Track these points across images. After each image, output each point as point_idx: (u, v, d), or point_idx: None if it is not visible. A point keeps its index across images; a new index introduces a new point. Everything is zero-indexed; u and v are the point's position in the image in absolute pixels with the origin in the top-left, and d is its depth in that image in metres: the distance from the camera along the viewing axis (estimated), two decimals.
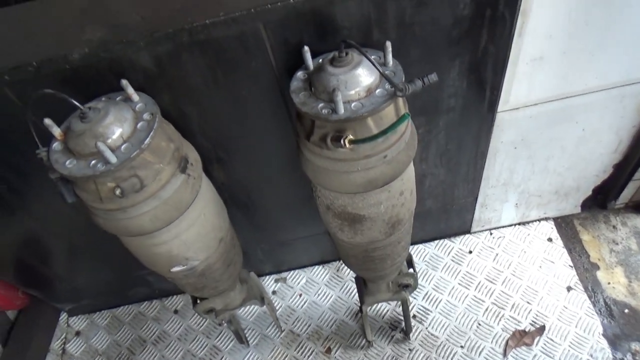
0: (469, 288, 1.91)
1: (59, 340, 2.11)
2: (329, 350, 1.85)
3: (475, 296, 1.88)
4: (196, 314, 2.04)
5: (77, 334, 2.12)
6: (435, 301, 1.90)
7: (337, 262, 2.09)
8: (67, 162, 0.96)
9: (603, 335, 1.72)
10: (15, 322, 2.10)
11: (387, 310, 1.90)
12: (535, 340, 1.74)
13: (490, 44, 1.20)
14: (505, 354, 1.73)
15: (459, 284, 1.93)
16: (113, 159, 0.92)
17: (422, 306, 1.89)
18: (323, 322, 1.93)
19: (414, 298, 1.91)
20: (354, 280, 1.94)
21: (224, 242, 1.29)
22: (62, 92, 0.90)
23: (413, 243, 2.04)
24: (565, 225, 2.03)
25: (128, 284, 2.03)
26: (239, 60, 1.12)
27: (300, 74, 1.04)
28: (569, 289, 1.85)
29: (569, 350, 1.70)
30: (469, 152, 1.58)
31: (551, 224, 2.03)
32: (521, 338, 1.75)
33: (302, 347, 1.88)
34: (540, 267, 1.92)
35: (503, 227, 2.05)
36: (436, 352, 1.78)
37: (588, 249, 1.95)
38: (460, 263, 1.98)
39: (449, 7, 1.08)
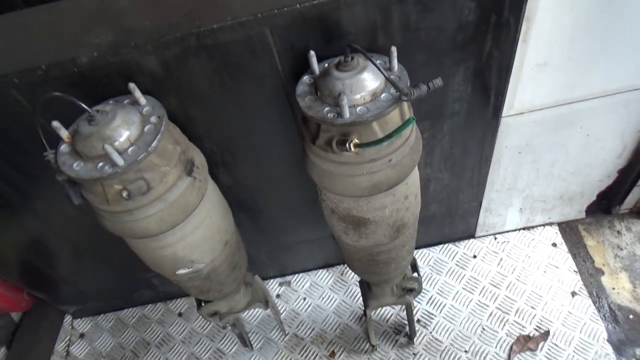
0: (473, 292, 1.91)
1: (63, 342, 2.11)
2: (332, 354, 1.85)
3: (479, 301, 1.88)
4: (200, 317, 2.05)
5: (82, 336, 2.13)
6: (440, 305, 1.90)
7: (342, 265, 2.09)
8: (75, 165, 0.97)
9: (608, 340, 1.72)
10: (20, 324, 2.10)
11: (391, 315, 1.90)
12: (540, 346, 1.74)
13: (495, 49, 1.21)
14: (509, 359, 1.73)
15: (463, 288, 1.93)
16: (120, 161, 0.93)
17: (426, 310, 1.89)
18: (327, 326, 1.93)
19: (418, 302, 1.91)
20: (358, 284, 1.94)
21: (230, 245, 1.29)
22: (70, 95, 0.91)
23: (417, 247, 2.04)
24: (569, 231, 2.02)
25: (132, 287, 2.04)
26: (245, 64, 1.13)
27: (306, 78, 1.05)
28: (573, 294, 1.84)
29: (573, 356, 1.70)
30: (474, 156, 1.58)
31: (555, 229, 2.03)
32: (525, 343, 1.75)
33: (306, 351, 1.88)
34: (545, 272, 1.91)
35: (507, 231, 2.04)
36: (440, 356, 1.78)
37: (592, 254, 1.95)
38: (464, 267, 1.98)
39: (453, 13, 1.09)
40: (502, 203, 1.87)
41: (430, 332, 1.84)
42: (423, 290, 1.92)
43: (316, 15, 1.04)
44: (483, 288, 1.91)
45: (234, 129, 1.31)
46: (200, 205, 1.12)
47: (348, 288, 2.02)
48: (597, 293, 1.84)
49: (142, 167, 0.96)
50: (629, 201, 1.94)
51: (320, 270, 2.09)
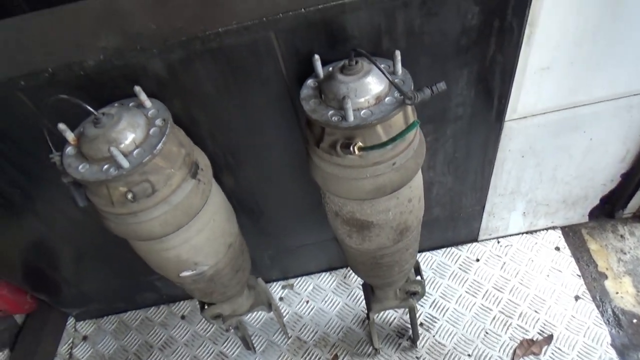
0: (476, 296, 1.91)
1: (66, 345, 2.12)
2: (335, 358, 1.85)
3: (482, 304, 1.88)
4: (203, 320, 2.05)
5: (84, 338, 2.13)
6: (443, 309, 1.89)
7: (345, 269, 2.09)
8: (80, 167, 0.97)
9: (611, 345, 1.71)
10: (23, 326, 2.11)
11: (394, 318, 1.90)
12: (543, 350, 1.73)
13: (498, 54, 1.21)
14: None
15: (466, 292, 1.92)
16: (125, 163, 0.93)
17: (429, 314, 1.89)
18: (330, 329, 1.93)
19: (421, 306, 1.91)
20: (361, 287, 1.94)
21: (233, 247, 1.30)
22: (76, 98, 0.92)
23: (420, 251, 2.04)
24: (572, 234, 2.02)
25: (136, 289, 2.04)
26: (250, 68, 1.13)
27: (310, 81, 1.05)
28: (576, 298, 1.84)
29: None
30: (477, 160, 1.59)
31: (559, 232, 2.02)
32: (529, 347, 1.74)
33: (308, 354, 1.88)
34: (548, 276, 1.91)
35: (510, 235, 2.04)
36: None
37: (596, 258, 1.94)
38: (467, 271, 1.98)
39: (457, 17, 1.10)
40: (505, 207, 1.87)
41: (434, 336, 1.84)
42: (426, 294, 1.92)
43: (321, 19, 1.04)
44: (486, 292, 1.91)
45: (237, 131, 1.32)
46: (205, 207, 1.12)
47: (351, 291, 2.02)
48: (600, 297, 1.84)
49: (147, 169, 0.97)
50: (633, 205, 1.94)
51: (323, 274, 2.09)
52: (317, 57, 1.03)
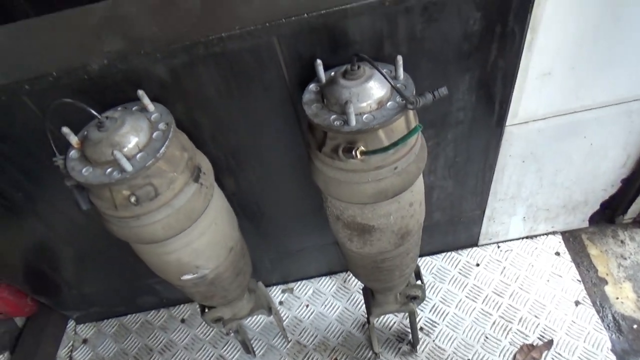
0: (476, 301, 1.91)
1: (66, 348, 2.12)
2: None
3: (482, 309, 1.88)
4: (203, 323, 2.05)
5: (85, 341, 2.13)
6: (443, 314, 1.90)
7: (344, 273, 2.09)
8: (84, 170, 0.98)
9: (612, 350, 1.71)
10: (23, 329, 2.11)
11: (394, 322, 1.90)
12: (544, 355, 1.73)
13: (500, 59, 1.22)
14: None
15: (466, 296, 1.93)
16: (129, 167, 0.94)
17: (429, 318, 1.89)
18: (330, 333, 1.93)
19: (421, 310, 1.91)
20: (361, 291, 1.94)
21: (234, 251, 1.30)
22: (80, 102, 0.93)
23: (420, 255, 2.04)
24: (573, 240, 2.02)
25: (136, 293, 2.04)
26: (252, 72, 1.14)
27: (312, 86, 1.06)
28: (577, 303, 1.84)
29: None
30: (477, 165, 1.59)
31: (559, 237, 2.03)
32: (529, 352, 1.74)
33: (308, 358, 1.88)
34: (548, 281, 1.91)
35: (511, 240, 2.05)
36: None
37: (596, 264, 1.95)
38: (467, 276, 1.98)
39: (459, 23, 1.10)
40: (506, 211, 1.87)
41: (433, 340, 1.84)
42: (426, 298, 1.92)
43: (323, 24, 1.05)
44: (486, 296, 1.91)
45: (239, 135, 1.32)
46: (206, 211, 1.13)
47: (351, 295, 2.02)
48: (600, 302, 1.84)
49: (150, 173, 0.97)
50: (633, 211, 1.94)
51: (323, 278, 2.10)
52: (319, 61, 1.04)
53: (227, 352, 1.95)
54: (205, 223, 1.15)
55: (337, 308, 1.99)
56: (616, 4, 1.15)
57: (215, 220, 1.18)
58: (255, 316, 1.95)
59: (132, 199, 0.97)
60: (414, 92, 0.97)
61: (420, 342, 1.83)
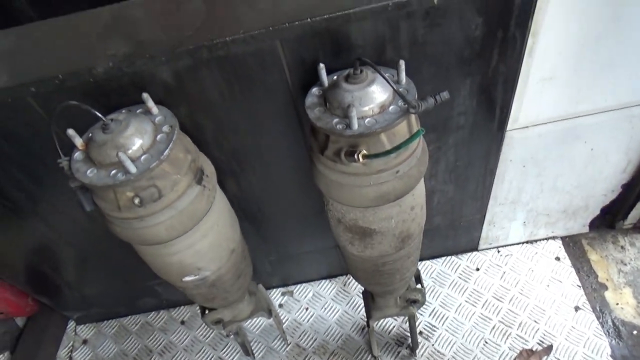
0: (476, 305, 1.91)
1: (66, 348, 2.12)
2: None
3: (482, 314, 1.88)
4: (203, 325, 2.05)
5: (85, 342, 2.13)
6: (442, 318, 1.90)
7: (344, 276, 2.10)
8: (88, 172, 0.98)
9: (611, 356, 1.71)
10: (24, 329, 2.12)
11: (394, 326, 1.90)
12: None
13: (501, 64, 1.23)
14: None
15: (465, 301, 1.93)
16: (133, 169, 0.95)
17: (428, 323, 1.89)
18: (329, 337, 1.93)
19: (421, 314, 1.91)
20: (360, 295, 1.95)
21: (236, 253, 1.30)
22: (85, 104, 0.93)
23: (420, 259, 2.05)
24: (573, 245, 2.03)
25: (136, 294, 2.05)
26: (255, 76, 1.15)
27: (315, 90, 1.07)
28: (576, 308, 1.84)
29: None
30: (478, 169, 1.60)
31: (559, 243, 2.03)
32: (528, 357, 1.75)
33: None
34: (548, 286, 1.91)
35: (511, 245, 2.05)
36: None
37: (596, 269, 1.95)
38: (467, 280, 1.99)
39: (461, 28, 1.11)
40: (506, 216, 1.88)
41: (433, 345, 1.84)
42: (426, 303, 1.92)
43: (326, 28, 1.06)
44: (486, 301, 1.91)
45: (242, 138, 1.33)
46: (209, 213, 1.14)
47: (351, 299, 2.02)
48: (600, 308, 1.84)
49: (154, 174, 0.98)
50: (633, 216, 1.95)
51: (323, 281, 2.10)
52: (322, 65, 1.04)
53: (227, 354, 1.96)
54: (207, 225, 1.15)
55: (337, 311, 2.00)
56: (617, 10, 1.16)
57: (217, 222, 1.19)
58: (255, 318, 1.95)
59: (136, 201, 0.98)
60: (416, 96, 0.97)
61: (420, 346, 1.83)
